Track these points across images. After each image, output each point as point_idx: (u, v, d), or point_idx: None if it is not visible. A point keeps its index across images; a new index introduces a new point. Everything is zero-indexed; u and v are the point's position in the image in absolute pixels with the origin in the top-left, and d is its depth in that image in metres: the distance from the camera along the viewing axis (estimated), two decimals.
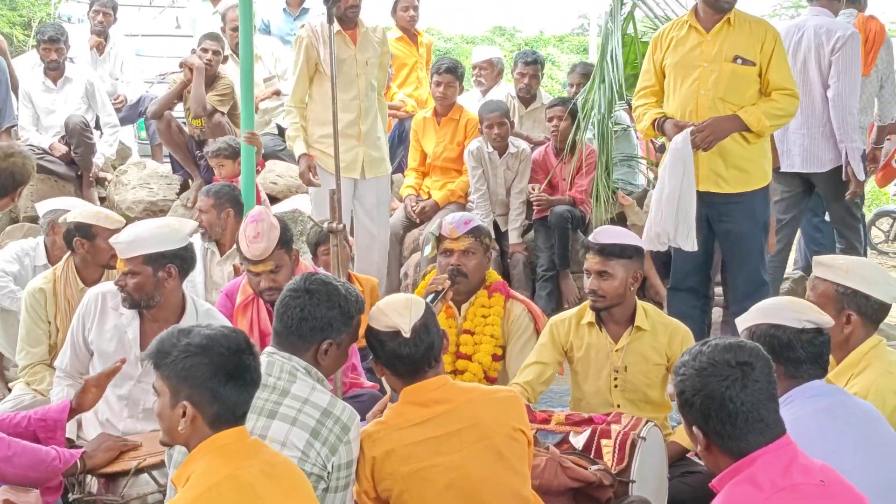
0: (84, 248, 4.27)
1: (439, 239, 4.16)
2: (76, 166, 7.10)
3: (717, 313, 5.84)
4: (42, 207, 5.09)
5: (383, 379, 3.05)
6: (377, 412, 3.65)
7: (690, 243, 4.75)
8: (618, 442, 3.28)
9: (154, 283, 3.66)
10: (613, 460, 3.25)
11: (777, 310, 2.76)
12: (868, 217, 9.79)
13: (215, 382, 2.32)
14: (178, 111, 7.18)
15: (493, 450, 2.79)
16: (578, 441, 3.34)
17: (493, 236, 5.66)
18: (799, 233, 6.76)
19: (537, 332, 4.08)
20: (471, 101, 7.14)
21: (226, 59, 7.00)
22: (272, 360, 2.77)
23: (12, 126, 7.37)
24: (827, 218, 6.51)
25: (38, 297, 4.27)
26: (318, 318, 2.78)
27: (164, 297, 3.70)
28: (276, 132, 7.41)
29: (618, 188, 6.52)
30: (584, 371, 3.88)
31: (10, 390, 4.53)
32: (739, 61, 4.77)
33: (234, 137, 6.23)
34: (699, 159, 4.80)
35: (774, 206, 5.98)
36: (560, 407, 3.97)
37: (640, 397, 3.80)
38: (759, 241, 5.00)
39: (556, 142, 6.39)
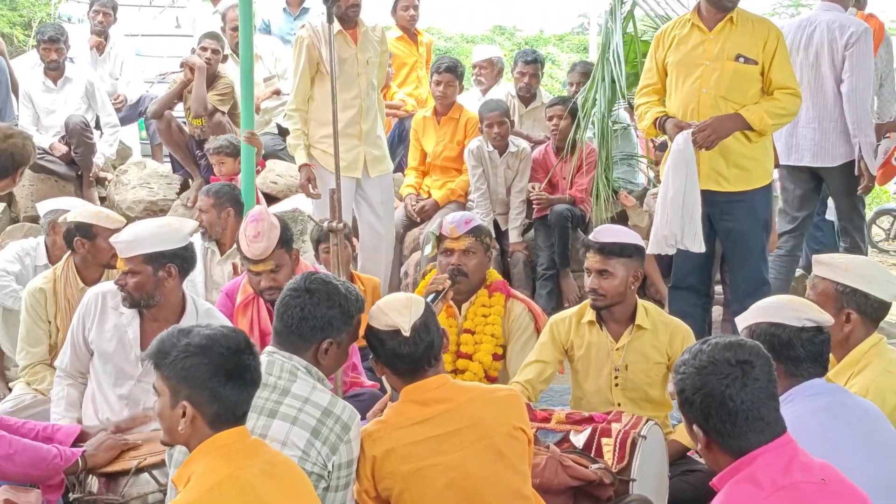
0: (85, 247, 4.28)
1: (440, 238, 4.17)
2: (76, 166, 7.10)
3: (717, 311, 5.84)
4: (42, 207, 5.09)
5: (384, 378, 3.04)
6: (377, 411, 3.66)
7: (698, 244, 4.75)
8: (618, 440, 3.28)
9: (154, 283, 3.66)
10: (614, 459, 3.25)
11: (777, 308, 2.76)
12: (868, 215, 9.79)
13: (215, 382, 2.32)
14: (178, 111, 7.18)
15: (493, 449, 2.79)
16: (579, 440, 3.34)
17: (494, 235, 5.66)
18: None
19: (538, 331, 4.08)
20: (471, 100, 7.14)
21: (225, 58, 7.00)
22: (272, 360, 2.77)
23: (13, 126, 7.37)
24: (828, 216, 6.51)
25: (38, 297, 4.27)
26: (318, 317, 2.78)
27: (164, 296, 3.70)
28: (277, 132, 7.41)
29: (620, 187, 6.53)
30: (584, 370, 3.88)
31: (10, 390, 4.53)
32: (742, 60, 4.77)
33: (235, 136, 6.23)
34: (700, 158, 4.79)
35: (788, 204, 5.98)
36: (560, 406, 3.97)
37: (640, 396, 3.80)
38: (761, 240, 5.00)
39: (556, 141, 6.39)
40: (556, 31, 20.02)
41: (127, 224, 4.05)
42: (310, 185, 5.46)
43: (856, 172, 5.74)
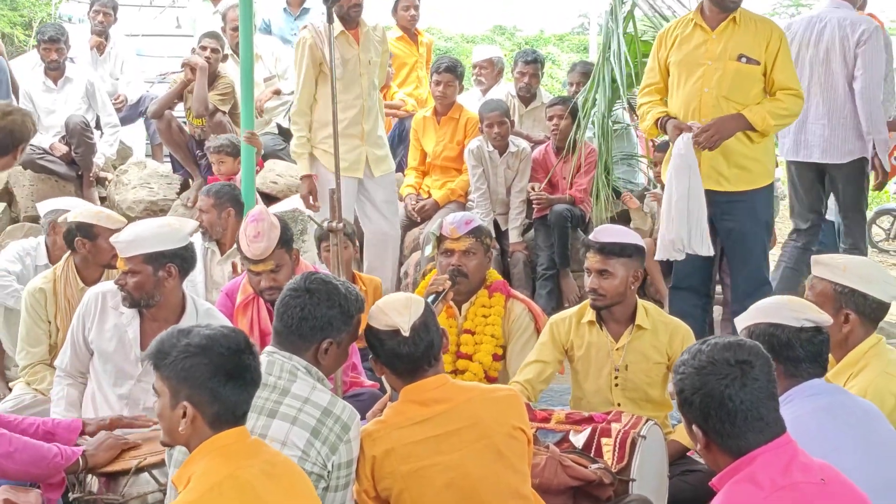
0: (85, 247, 4.28)
1: (440, 239, 4.16)
2: (76, 166, 7.10)
3: (716, 311, 5.83)
4: (43, 207, 5.09)
5: (383, 378, 3.05)
6: (377, 411, 3.66)
7: (706, 248, 4.75)
8: (618, 440, 3.28)
9: (154, 283, 3.66)
10: (613, 459, 3.25)
11: (776, 309, 2.76)
12: (868, 215, 9.79)
13: (215, 382, 2.32)
14: (178, 111, 7.18)
15: (492, 449, 2.79)
16: (578, 440, 3.34)
17: (494, 235, 5.66)
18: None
19: (538, 331, 4.08)
20: (471, 100, 7.14)
21: (225, 57, 7.00)
22: (272, 360, 2.77)
23: None
24: (828, 216, 6.51)
25: (38, 297, 4.27)
26: (318, 317, 2.78)
27: (164, 296, 3.70)
28: (277, 132, 7.41)
29: (625, 188, 6.53)
30: (584, 370, 3.88)
31: (10, 390, 4.54)
32: (744, 60, 4.78)
33: (235, 136, 6.23)
34: (701, 158, 4.80)
35: (798, 202, 5.98)
36: (560, 405, 3.97)
37: (640, 396, 3.80)
38: (761, 240, 5.01)
39: (556, 141, 6.39)
40: (556, 31, 20.01)
41: (127, 224, 4.05)
42: (310, 197, 5.46)
43: (869, 169, 5.75)
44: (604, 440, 3.31)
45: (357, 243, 5.37)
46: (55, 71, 7.17)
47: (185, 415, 2.33)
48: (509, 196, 6.41)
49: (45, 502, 3.20)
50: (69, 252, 4.36)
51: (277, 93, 7.33)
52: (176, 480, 2.37)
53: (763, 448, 2.21)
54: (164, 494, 3.08)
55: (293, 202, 6.57)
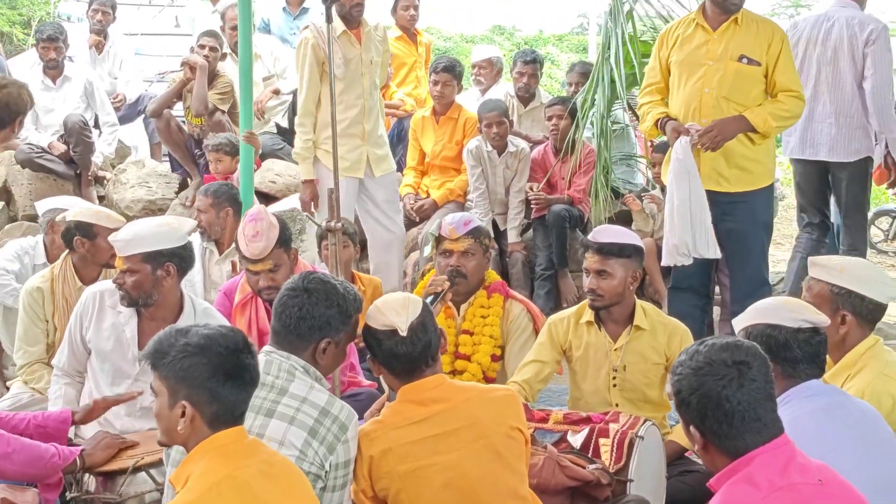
0: (84, 247, 4.27)
1: (439, 239, 4.16)
2: (75, 165, 7.09)
3: (714, 312, 5.84)
4: (41, 206, 5.09)
5: (381, 378, 3.05)
6: (375, 411, 3.66)
7: (713, 250, 4.75)
8: (616, 441, 3.28)
9: (152, 282, 3.66)
10: (611, 459, 3.25)
11: (773, 309, 2.76)
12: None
13: (214, 382, 2.32)
14: (177, 110, 7.18)
15: (490, 449, 2.79)
16: (576, 440, 3.34)
17: (493, 236, 5.66)
18: (798, 232, 6.76)
19: (536, 332, 4.08)
20: (470, 100, 7.14)
21: (224, 56, 6.99)
22: (270, 359, 2.77)
23: None
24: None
25: (36, 296, 4.27)
26: (316, 316, 2.78)
27: (162, 295, 3.70)
28: (276, 131, 7.40)
29: (624, 189, 6.53)
30: (582, 370, 3.88)
31: (7, 388, 4.53)
32: (745, 61, 4.78)
33: (234, 135, 6.23)
34: (701, 158, 4.81)
35: (807, 201, 5.99)
36: (558, 406, 3.97)
37: (638, 396, 3.80)
38: (761, 241, 5.01)
39: (555, 141, 6.39)
40: (555, 31, 19.99)
41: (126, 223, 4.04)
42: (311, 204, 5.44)
43: (883, 166, 5.76)
44: (602, 440, 3.31)
45: (357, 243, 5.36)
46: (54, 70, 7.17)
47: (183, 414, 2.32)
48: (508, 196, 6.41)
49: (42, 502, 3.20)
50: (67, 251, 4.35)
51: (277, 92, 7.33)
52: (174, 480, 2.37)
53: (761, 449, 2.21)
54: (162, 494, 3.08)
55: (292, 202, 6.57)
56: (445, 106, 6.60)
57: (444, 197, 6.53)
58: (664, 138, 5.32)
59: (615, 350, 3.79)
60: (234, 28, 6.37)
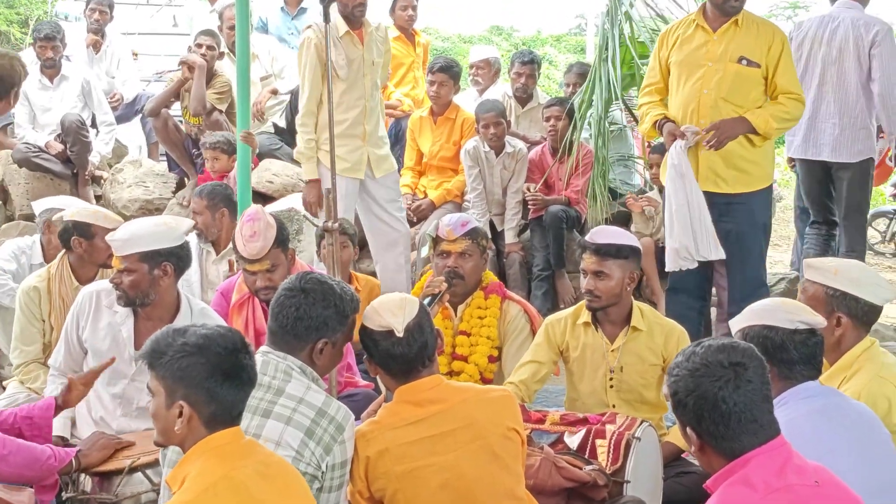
0: (82, 246, 4.27)
1: (436, 240, 4.16)
2: (72, 164, 7.09)
3: (712, 312, 5.84)
4: (38, 206, 5.08)
5: (378, 378, 3.05)
6: (372, 412, 3.65)
7: (716, 251, 4.76)
8: (612, 442, 3.28)
9: (150, 281, 3.66)
10: (608, 460, 3.26)
11: (770, 311, 2.76)
12: None
13: (212, 382, 2.32)
14: (174, 110, 7.17)
15: (487, 450, 2.79)
16: (573, 441, 3.34)
17: (490, 236, 5.65)
18: (795, 233, 6.78)
19: (533, 332, 4.08)
20: (467, 100, 7.14)
21: (221, 55, 6.99)
22: (267, 360, 2.77)
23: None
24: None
25: (33, 296, 4.26)
26: (313, 317, 2.78)
27: (159, 295, 3.70)
28: (273, 131, 7.40)
29: (621, 190, 6.53)
30: (579, 371, 3.88)
31: (4, 388, 4.53)
32: (744, 62, 4.79)
33: (232, 134, 6.22)
34: (698, 159, 4.81)
35: (813, 201, 6.01)
36: (555, 407, 3.97)
37: (635, 398, 3.80)
38: (759, 243, 5.01)
39: (553, 142, 6.39)
40: (553, 31, 20.01)
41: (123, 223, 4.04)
42: (317, 204, 5.42)
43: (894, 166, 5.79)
44: (598, 441, 3.31)
45: (357, 244, 5.35)
46: (51, 69, 7.17)
47: (180, 414, 2.32)
48: (505, 197, 6.41)
49: (38, 503, 3.19)
50: (64, 251, 4.35)
51: (275, 92, 7.33)
52: (170, 481, 2.36)
53: (757, 450, 2.21)
54: (158, 494, 3.07)
55: (289, 202, 6.57)
56: (443, 106, 6.60)
57: (442, 197, 6.53)
58: (662, 139, 5.32)
59: (612, 351, 3.79)
60: (232, 28, 6.37)
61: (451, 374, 4.03)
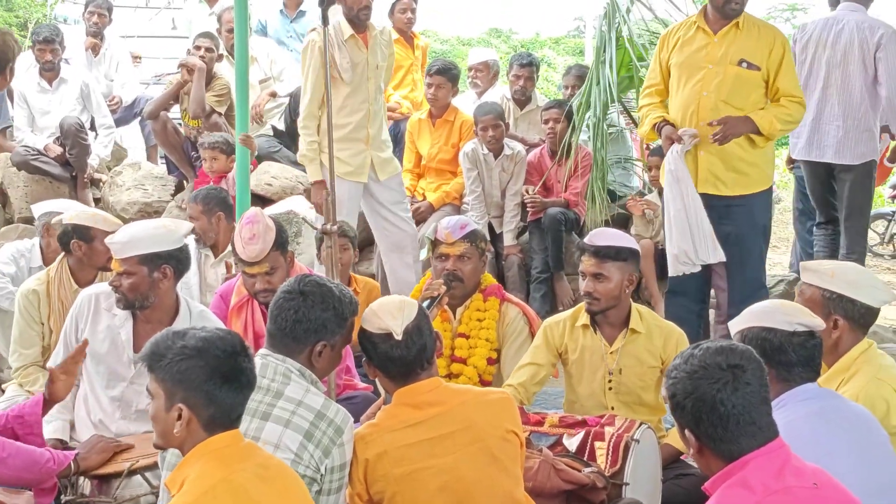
0: (81, 250, 4.26)
1: (435, 243, 4.16)
2: (71, 167, 7.09)
3: (710, 314, 5.84)
4: (37, 209, 5.08)
5: (377, 381, 3.05)
6: (371, 415, 3.65)
7: (716, 255, 4.76)
8: (611, 444, 3.29)
9: (149, 284, 3.66)
10: (607, 463, 3.26)
11: (769, 313, 2.76)
12: None
13: (211, 385, 2.32)
14: (174, 112, 7.18)
15: (486, 452, 2.79)
16: (572, 443, 3.34)
17: (489, 239, 5.66)
18: (794, 235, 6.79)
19: (532, 335, 4.08)
20: (466, 102, 7.14)
21: (220, 56, 7.00)
22: (266, 362, 2.77)
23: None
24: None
25: (32, 299, 4.26)
26: (312, 319, 2.78)
27: (158, 297, 3.70)
28: (272, 133, 7.40)
29: (620, 192, 6.53)
30: (578, 373, 3.88)
31: (3, 391, 4.52)
32: (744, 65, 4.79)
33: (230, 135, 6.23)
34: (698, 161, 4.82)
35: (818, 202, 6.01)
36: (554, 409, 3.97)
37: (634, 400, 3.80)
38: (759, 245, 5.01)
39: (551, 144, 6.40)
40: (552, 34, 20.05)
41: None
42: (325, 206, 5.40)
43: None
44: (597, 444, 3.31)
45: (357, 246, 5.35)
46: (50, 72, 7.16)
47: (180, 417, 2.32)
48: (504, 199, 6.42)
49: None
50: (63, 254, 4.35)
51: (273, 95, 7.33)
52: (169, 483, 2.36)
53: (756, 452, 2.21)
54: (157, 497, 3.08)
55: (288, 204, 6.57)
56: (441, 109, 6.60)
57: (441, 200, 6.53)
58: (660, 142, 5.32)
59: (611, 353, 3.79)
60: (231, 30, 6.37)
61: (449, 376, 4.03)
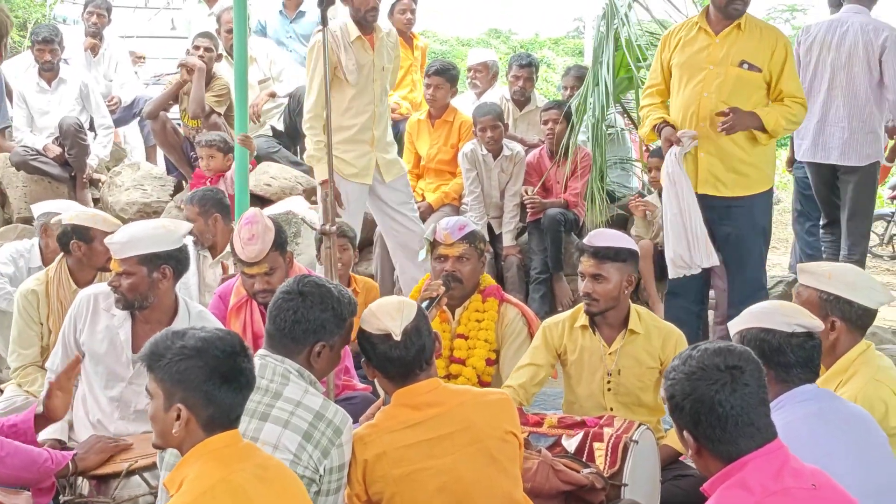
0: (81, 250, 4.26)
1: (434, 244, 4.16)
2: (70, 167, 7.09)
3: (709, 315, 5.85)
4: (36, 209, 5.08)
5: (376, 381, 3.05)
6: (370, 415, 3.65)
7: (710, 258, 4.77)
8: (610, 445, 3.29)
9: (148, 284, 3.65)
10: (606, 463, 3.26)
11: (768, 314, 2.76)
12: None
13: (210, 385, 2.32)
14: (173, 112, 7.17)
15: (485, 453, 2.79)
16: (571, 444, 3.34)
17: (488, 239, 5.66)
18: (793, 236, 6.79)
19: (531, 335, 4.08)
20: (465, 103, 7.14)
21: (219, 57, 6.99)
22: (265, 363, 2.77)
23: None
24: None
25: (31, 299, 4.26)
26: (310, 320, 2.78)
27: (157, 298, 3.69)
28: (271, 133, 7.41)
29: (619, 192, 6.54)
30: (577, 374, 3.88)
31: (1, 392, 4.52)
32: (746, 66, 4.79)
33: (229, 135, 6.23)
34: (698, 163, 4.82)
35: (823, 204, 6.02)
36: (553, 410, 3.97)
37: (633, 401, 3.80)
38: (759, 246, 5.02)
39: (550, 144, 6.40)
40: (551, 34, 20.06)
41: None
42: (335, 204, 5.40)
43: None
44: (596, 445, 3.31)
45: (356, 246, 5.35)
46: (49, 72, 7.17)
47: (178, 417, 2.32)
48: (503, 200, 6.42)
49: None
50: (62, 254, 4.35)
51: (273, 95, 7.33)
52: (168, 483, 2.37)
53: (754, 453, 2.21)
54: (156, 497, 3.08)
55: (287, 204, 6.57)
56: (440, 109, 6.60)
57: (440, 200, 6.53)
58: (659, 143, 5.33)
59: (610, 354, 3.79)
60: (230, 31, 6.35)
61: (448, 377, 4.03)
